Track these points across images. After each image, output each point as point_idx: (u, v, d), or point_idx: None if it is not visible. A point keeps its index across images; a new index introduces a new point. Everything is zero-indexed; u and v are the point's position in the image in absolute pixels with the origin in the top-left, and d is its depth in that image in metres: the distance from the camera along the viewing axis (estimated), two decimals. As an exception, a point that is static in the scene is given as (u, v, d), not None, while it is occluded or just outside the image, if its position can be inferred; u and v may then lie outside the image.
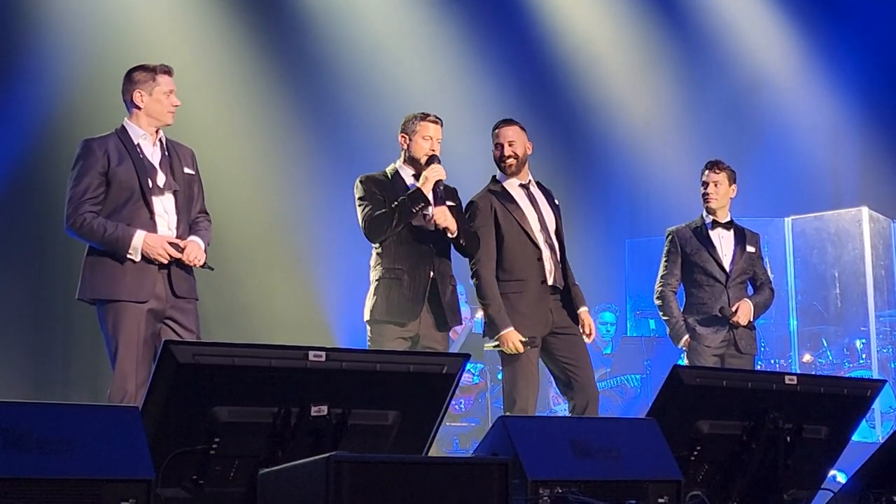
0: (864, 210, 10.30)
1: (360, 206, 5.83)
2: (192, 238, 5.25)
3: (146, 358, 5.02)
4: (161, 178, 5.21)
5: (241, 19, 9.92)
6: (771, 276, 7.22)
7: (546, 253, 5.98)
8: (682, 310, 6.92)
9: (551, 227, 6.06)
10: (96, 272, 5.12)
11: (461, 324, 5.88)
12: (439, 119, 5.91)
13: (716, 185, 6.87)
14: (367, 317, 5.82)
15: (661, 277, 6.97)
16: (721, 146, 10.03)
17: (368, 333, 5.81)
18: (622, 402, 10.26)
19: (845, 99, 11.93)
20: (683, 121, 11.83)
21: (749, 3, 11.76)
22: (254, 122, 9.91)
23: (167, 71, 5.29)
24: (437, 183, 5.75)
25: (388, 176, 5.90)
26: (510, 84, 11.35)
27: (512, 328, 5.82)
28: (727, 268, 6.85)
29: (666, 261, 6.98)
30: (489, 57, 11.22)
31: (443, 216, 5.73)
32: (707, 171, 6.90)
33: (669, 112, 11.90)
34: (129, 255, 5.07)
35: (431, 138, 5.85)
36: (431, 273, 5.77)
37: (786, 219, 10.57)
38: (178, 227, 5.23)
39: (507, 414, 5.80)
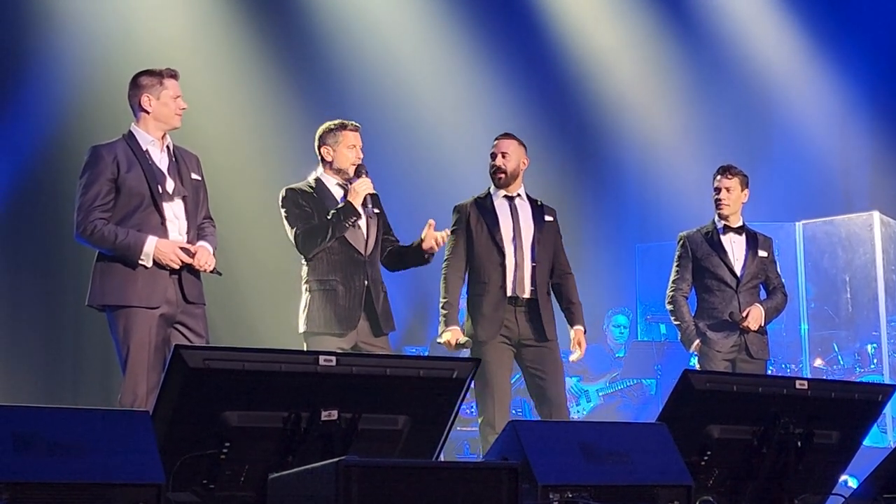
0: (876, 214, 10.28)
1: (287, 219, 5.84)
2: (202, 243, 5.27)
3: (157, 363, 5.02)
4: (170, 184, 5.22)
5: (250, 23, 9.93)
6: (783, 281, 7.20)
7: (510, 262, 6.14)
8: (693, 314, 6.91)
9: (527, 239, 6.20)
10: (107, 278, 5.12)
11: (395, 329, 5.90)
12: (358, 126, 5.94)
13: (728, 191, 6.86)
14: (301, 329, 5.80)
15: (673, 282, 6.96)
16: (731, 151, 10.01)
17: (305, 347, 5.71)
18: (632, 406, 10.25)
19: (856, 103, 11.91)
20: (693, 125, 11.81)
21: (758, 8, 11.75)
22: (262, 126, 9.92)
23: (173, 75, 5.30)
24: (367, 197, 5.79)
25: (312, 186, 5.89)
26: (521, 89, 11.35)
27: (453, 328, 6.11)
28: (738, 273, 6.84)
29: (677, 265, 6.97)
30: (501, 62, 11.22)
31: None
32: (719, 177, 6.89)
33: (679, 116, 11.88)
34: (140, 261, 5.07)
35: (355, 146, 5.87)
36: (366, 281, 5.78)
37: (796, 223, 10.54)
38: (188, 233, 5.24)
39: (479, 415, 6.14)
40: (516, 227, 6.20)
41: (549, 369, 6.09)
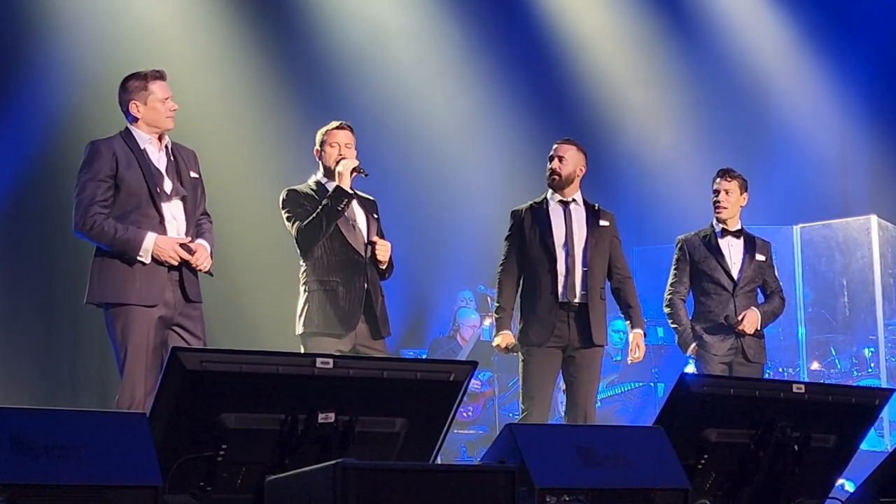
0: (873, 218, 10.29)
1: (288, 218, 5.84)
2: (200, 241, 5.24)
3: (155, 365, 5.00)
4: (168, 185, 5.19)
5: (251, 21, 9.93)
6: (781, 285, 7.19)
7: (562, 267, 6.18)
8: (690, 318, 6.91)
9: (579, 244, 6.24)
10: (105, 276, 5.09)
11: (391, 335, 5.90)
12: (347, 125, 5.93)
13: (727, 193, 6.86)
14: (300, 330, 5.78)
15: (670, 285, 6.97)
16: (729, 154, 10.02)
17: (302, 349, 5.70)
18: (629, 409, 10.25)
19: (854, 107, 11.93)
20: (691, 128, 11.83)
21: (759, 14, 11.77)
22: (260, 126, 9.91)
23: (159, 76, 5.21)
24: (354, 170, 5.75)
25: (312, 189, 5.89)
26: (519, 91, 11.36)
27: (504, 332, 6.25)
28: (735, 276, 6.84)
29: (675, 269, 6.98)
30: (499, 65, 11.23)
31: (384, 250, 5.81)
32: (719, 179, 6.89)
33: (678, 119, 11.90)
34: (139, 258, 5.03)
35: (338, 144, 5.86)
36: (366, 284, 5.76)
37: (794, 227, 10.55)
38: (186, 233, 5.22)
39: (520, 414, 6.19)
40: (569, 232, 6.24)
41: (584, 377, 6.16)
